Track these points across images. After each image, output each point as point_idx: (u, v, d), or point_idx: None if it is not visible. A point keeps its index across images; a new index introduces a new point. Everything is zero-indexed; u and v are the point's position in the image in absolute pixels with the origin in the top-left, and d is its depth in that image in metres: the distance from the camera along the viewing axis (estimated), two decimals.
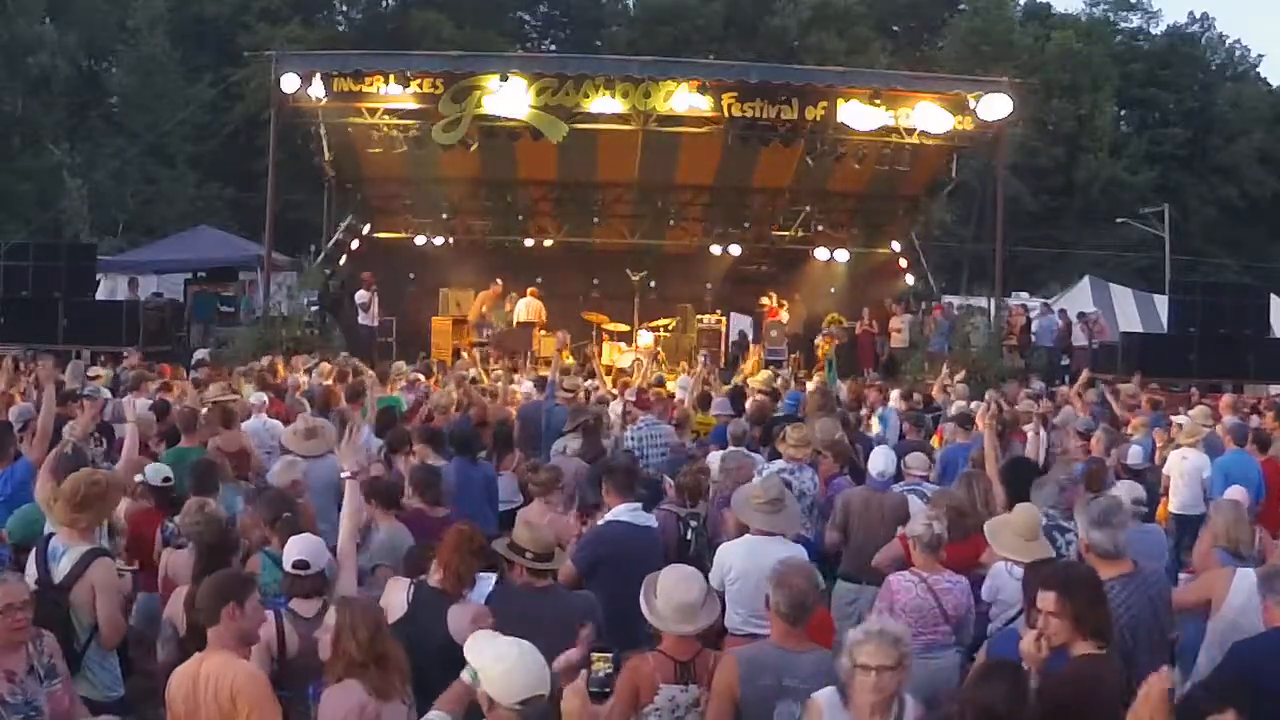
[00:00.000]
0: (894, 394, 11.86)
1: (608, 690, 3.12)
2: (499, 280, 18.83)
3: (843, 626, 6.38)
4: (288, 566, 4.60)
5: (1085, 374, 12.63)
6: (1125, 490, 6.10)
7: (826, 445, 7.62)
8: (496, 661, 3.17)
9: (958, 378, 12.63)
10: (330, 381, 11.32)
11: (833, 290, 20.23)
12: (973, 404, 10.03)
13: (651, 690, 3.84)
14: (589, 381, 13.19)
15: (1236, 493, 6.53)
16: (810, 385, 12.75)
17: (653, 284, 19.65)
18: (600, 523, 5.76)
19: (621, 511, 5.64)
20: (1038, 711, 3.47)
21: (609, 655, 3.25)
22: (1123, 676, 4.01)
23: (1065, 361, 18.62)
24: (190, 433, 7.72)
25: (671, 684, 3.88)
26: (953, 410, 9.83)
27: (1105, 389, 12.02)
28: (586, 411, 9.45)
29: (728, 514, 6.19)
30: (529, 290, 18.83)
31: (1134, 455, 8.12)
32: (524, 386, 11.83)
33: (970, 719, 3.41)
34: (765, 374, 14.63)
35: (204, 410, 8.29)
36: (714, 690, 3.93)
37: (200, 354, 13.80)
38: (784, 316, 19.54)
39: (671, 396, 11.06)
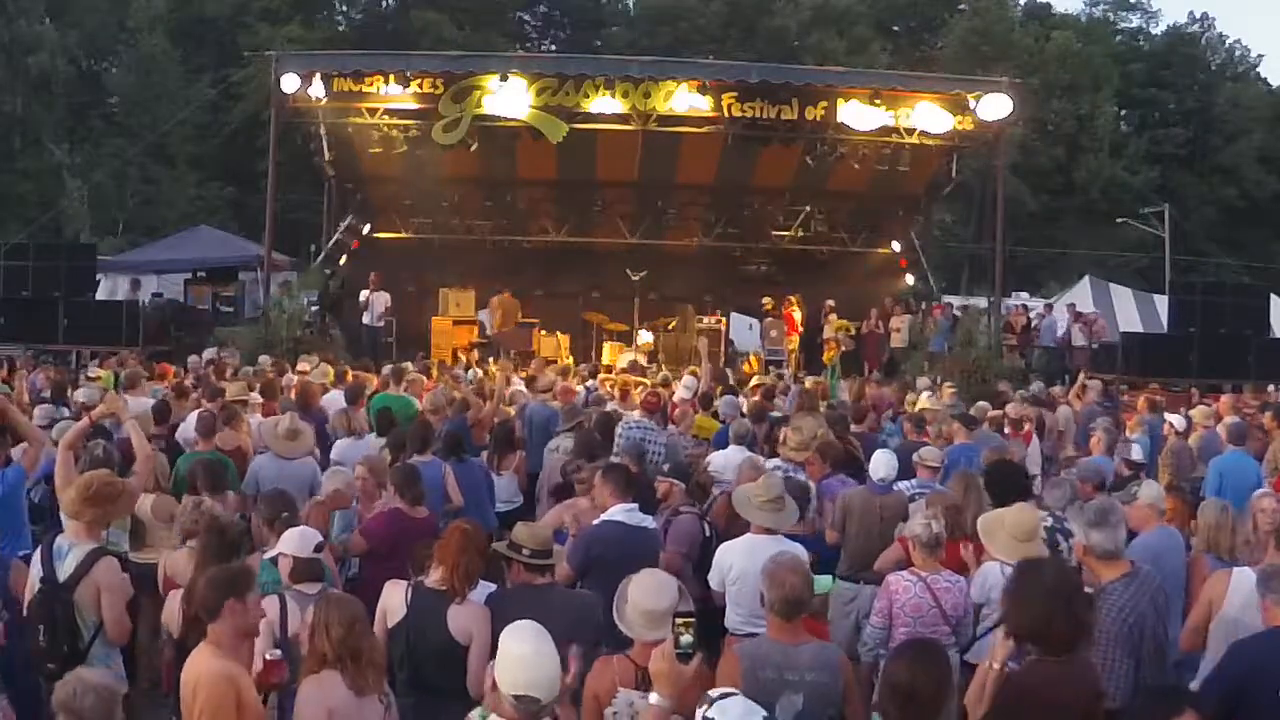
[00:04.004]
0: (924, 393, 11.75)
1: (691, 652, 3.31)
2: (500, 290, 18.89)
3: (840, 626, 6.41)
4: (307, 552, 4.64)
5: (1082, 377, 12.67)
6: (1152, 490, 6.02)
7: (813, 445, 7.59)
8: (511, 645, 3.24)
9: (948, 385, 12.64)
10: (329, 381, 11.34)
11: (832, 291, 20.18)
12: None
13: (610, 692, 3.86)
14: (590, 381, 13.20)
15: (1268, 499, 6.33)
16: (808, 384, 12.77)
17: (652, 284, 19.66)
18: (596, 523, 5.76)
19: (617, 512, 5.62)
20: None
21: (691, 620, 3.39)
22: (1117, 683, 4.01)
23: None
24: (208, 437, 7.66)
25: (630, 689, 3.87)
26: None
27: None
28: (581, 412, 9.46)
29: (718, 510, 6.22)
30: (506, 293, 18.83)
31: (1136, 452, 8.09)
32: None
33: (889, 695, 3.44)
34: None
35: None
36: (719, 684, 3.95)
37: (208, 353, 13.82)
38: (797, 315, 19.50)
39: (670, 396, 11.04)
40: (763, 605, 4.24)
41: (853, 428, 9.22)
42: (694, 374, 11.75)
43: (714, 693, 3.15)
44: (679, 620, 3.39)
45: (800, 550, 5.20)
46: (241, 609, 3.88)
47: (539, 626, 3.31)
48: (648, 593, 3.96)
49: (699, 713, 3.08)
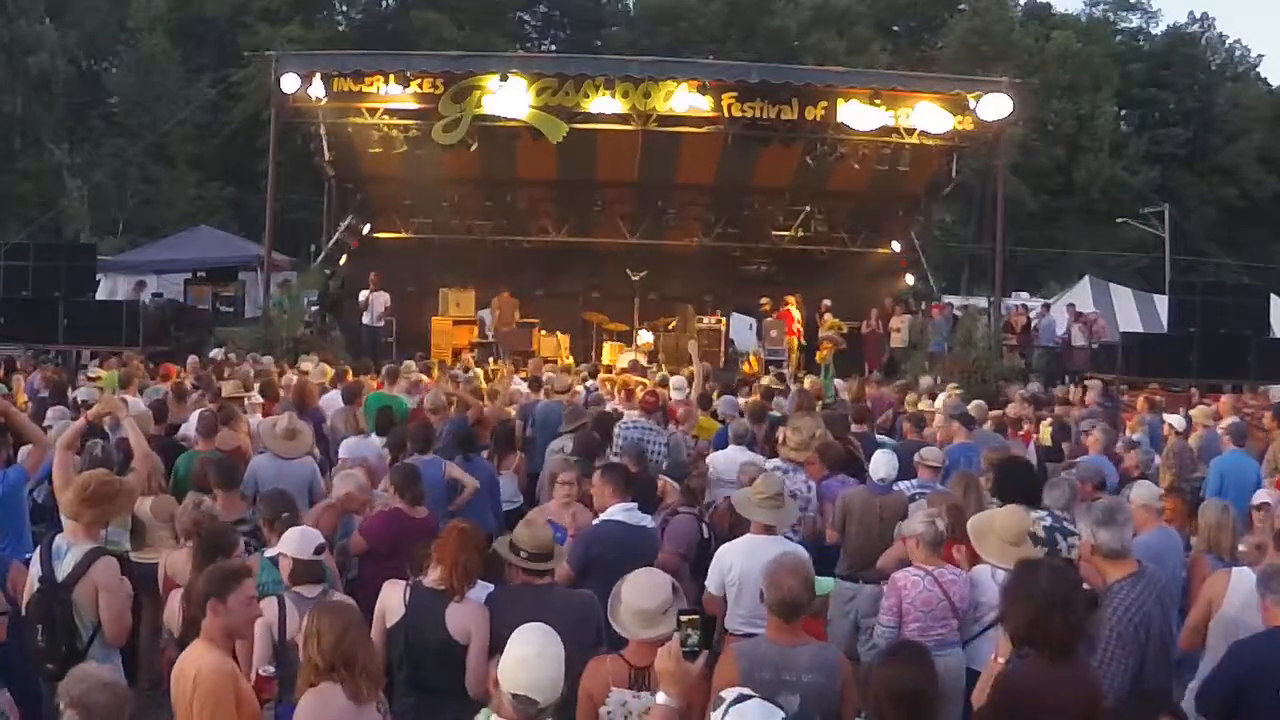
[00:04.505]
0: (940, 395, 11.73)
1: (697, 649, 3.33)
2: (502, 290, 18.87)
3: (839, 625, 6.41)
4: (308, 554, 4.61)
5: (1080, 381, 12.67)
6: (1146, 491, 6.03)
7: (813, 445, 7.58)
8: (515, 645, 3.23)
9: (953, 386, 12.63)
10: (327, 381, 11.34)
11: (832, 291, 20.18)
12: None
13: (604, 692, 3.86)
14: (589, 382, 13.19)
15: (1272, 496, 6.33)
16: (806, 384, 12.74)
17: (652, 284, 19.65)
18: (595, 522, 5.75)
19: (616, 511, 5.61)
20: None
21: (696, 618, 3.40)
22: (1112, 681, 4.00)
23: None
24: (209, 437, 7.65)
25: (624, 688, 3.87)
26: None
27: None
28: (584, 413, 9.44)
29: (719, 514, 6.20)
30: (506, 293, 18.84)
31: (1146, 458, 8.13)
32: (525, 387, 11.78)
33: (890, 699, 3.43)
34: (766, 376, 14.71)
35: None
36: (715, 685, 3.96)
37: (215, 353, 13.85)
38: (795, 315, 19.48)
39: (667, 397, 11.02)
40: (761, 602, 4.23)
41: (853, 428, 9.22)
42: (689, 375, 11.77)
43: (729, 694, 3.11)
44: (685, 618, 3.39)
45: (802, 551, 5.19)
46: (223, 609, 3.86)
47: (549, 629, 3.30)
48: (640, 592, 3.96)
49: (713, 715, 3.04)
